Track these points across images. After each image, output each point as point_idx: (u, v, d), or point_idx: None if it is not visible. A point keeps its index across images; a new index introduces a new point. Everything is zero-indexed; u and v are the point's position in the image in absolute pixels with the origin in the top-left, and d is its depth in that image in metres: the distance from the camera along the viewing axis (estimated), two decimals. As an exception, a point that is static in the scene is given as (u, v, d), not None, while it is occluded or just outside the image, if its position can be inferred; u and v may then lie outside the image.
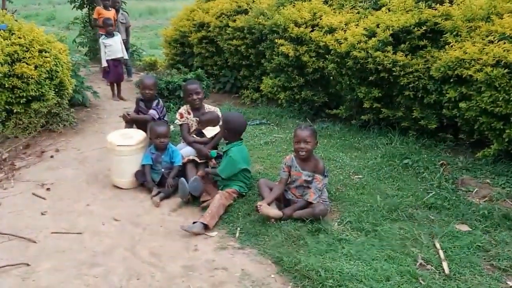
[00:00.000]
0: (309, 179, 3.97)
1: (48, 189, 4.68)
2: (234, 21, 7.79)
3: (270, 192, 4.09)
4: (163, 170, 4.70)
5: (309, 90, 6.58)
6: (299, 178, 4.01)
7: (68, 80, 6.38)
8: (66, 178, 4.96)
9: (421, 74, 5.17)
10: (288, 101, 6.90)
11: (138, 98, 5.62)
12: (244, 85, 8.27)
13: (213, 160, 4.94)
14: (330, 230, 3.69)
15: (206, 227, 3.89)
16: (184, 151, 4.88)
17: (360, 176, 4.66)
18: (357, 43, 5.49)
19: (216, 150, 4.90)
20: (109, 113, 7.55)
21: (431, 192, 4.26)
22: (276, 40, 6.58)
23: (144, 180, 4.66)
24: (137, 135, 4.82)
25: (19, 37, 5.87)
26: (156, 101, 5.42)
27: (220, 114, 5.11)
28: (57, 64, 6.07)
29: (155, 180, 4.67)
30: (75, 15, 12.49)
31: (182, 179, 4.35)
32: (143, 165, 4.71)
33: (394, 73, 5.26)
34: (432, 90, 5.10)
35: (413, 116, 5.35)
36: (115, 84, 8.48)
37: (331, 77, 6.22)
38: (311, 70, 6.36)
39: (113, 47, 8.10)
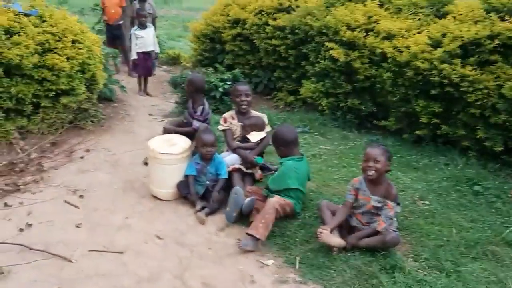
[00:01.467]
0: (379, 205, 3.53)
1: (81, 196, 4.25)
2: (275, 19, 7.30)
3: (332, 216, 3.66)
4: (207, 182, 4.24)
5: (356, 98, 6.10)
6: (368, 203, 3.57)
7: (100, 74, 5.93)
8: (99, 183, 4.51)
9: (491, 92, 4.71)
10: (330, 108, 6.42)
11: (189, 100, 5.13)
12: (278, 87, 7.77)
13: (260, 172, 4.53)
14: (406, 268, 3.25)
15: (258, 241, 3.54)
16: (229, 159, 4.45)
17: (427, 202, 4.19)
18: (421, 53, 5.02)
19: (262, 158, 4.50)
20: (137, 110, 7.11)
21: (510, 227, 3.81)
22: (326, 43, 6.08)
23: (187, 193, 4.21)
24: (182, 142, 4.35)
25: (51, 25, 5.42)
26: (201, 106, 4.95)
27: (266, 121, 4.74)
28: (90, 56, 5.62)
29: (198, 192, 4.22)
30: (92, 1, 11.95)
31: (238, 188, 3.92)
32: (186, 176, 4.26)
33: (462, 89, 4.79)
34: (502, 109, 4.64)
35: (477, 136, 4.89)
36: (142, 78, 8.04)
37: (383, 87, 5.75)
38: (362, 77, 5.88)
39: (144, 40, 7.63)
